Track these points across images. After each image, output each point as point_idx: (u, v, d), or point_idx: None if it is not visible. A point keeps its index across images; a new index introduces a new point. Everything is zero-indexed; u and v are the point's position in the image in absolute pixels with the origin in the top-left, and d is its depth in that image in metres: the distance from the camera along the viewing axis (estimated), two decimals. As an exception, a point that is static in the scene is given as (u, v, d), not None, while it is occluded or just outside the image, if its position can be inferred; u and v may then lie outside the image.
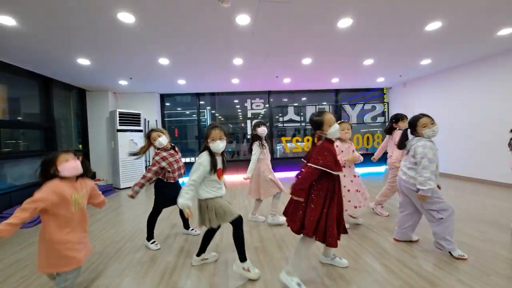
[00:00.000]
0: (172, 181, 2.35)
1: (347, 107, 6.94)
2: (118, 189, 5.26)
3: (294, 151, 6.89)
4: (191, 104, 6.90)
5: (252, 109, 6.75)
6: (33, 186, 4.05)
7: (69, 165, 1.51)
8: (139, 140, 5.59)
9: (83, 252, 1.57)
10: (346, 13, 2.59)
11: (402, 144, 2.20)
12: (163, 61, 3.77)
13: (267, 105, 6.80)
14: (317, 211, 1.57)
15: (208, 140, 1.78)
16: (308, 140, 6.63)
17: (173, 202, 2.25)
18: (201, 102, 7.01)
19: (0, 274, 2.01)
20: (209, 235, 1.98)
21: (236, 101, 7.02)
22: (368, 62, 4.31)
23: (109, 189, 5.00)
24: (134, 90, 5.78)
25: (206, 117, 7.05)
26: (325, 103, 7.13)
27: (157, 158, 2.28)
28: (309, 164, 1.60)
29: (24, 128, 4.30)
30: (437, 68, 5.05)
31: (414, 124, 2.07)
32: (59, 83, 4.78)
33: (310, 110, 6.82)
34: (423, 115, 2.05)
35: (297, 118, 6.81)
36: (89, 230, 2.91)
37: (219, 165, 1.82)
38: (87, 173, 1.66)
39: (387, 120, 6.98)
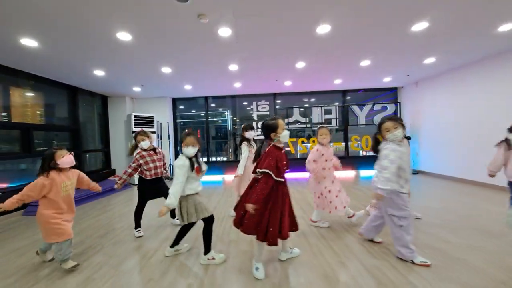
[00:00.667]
0: (148, 178, 2.69)
1: (355, 108, 6.80)
2: (133, 185, 5.85)
3: (300, 152, 6.95)
4: (203, 107, 7.33)
5: (258, 111, 6.96)
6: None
7: (66, 159, 1.99)
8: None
9: (70, 228, 2.03)
10: (325, 19, 2.68)
11: (374, 149, 2.17)
12: (166, 69, 4.17)
13: (277, 107, 6.97)
14: (257, 214, 1.73)
15: (182, 145, 2.03)
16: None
17: (150, 196, 2.71)
18: (212, 105, 7.44)
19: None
20: (185, 230, 2.21)
21: (245, 103, 7.29)
22: (365, 63, 4.26)
23: (125, 185, 5.59)
24: (148, 95, 6.35)
25: (227, 118, 7.46)
26: (336, 103, 7.05)
27: (137, 156, 2.67)
28: (259, 170, 1.78)
29: (54, 131, 5.01)
30: (448, 67, 4.77)
31: (378, 128, 2.10)
32: (84, 91, 5.49)
33: (315, 111, 6.83)
34: (388, 119, 2.04)
35: (303, 119, 6.86)
36: (100, 218, 3.45)
37: (196, 164, 2.05)
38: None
39: (398, 121, 6.69)
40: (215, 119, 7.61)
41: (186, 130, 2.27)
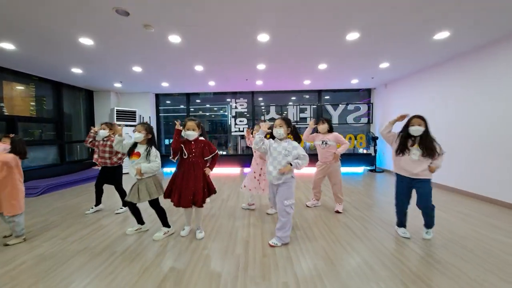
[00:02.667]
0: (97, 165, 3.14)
1: (329, 108, 7.09)
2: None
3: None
4: (191, 102, 7.70)
5: (236, 108, 7.30)
6: (45, 167, 5.20)
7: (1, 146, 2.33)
8: (133, 134, 6.54)
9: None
10: (262, 29, 2.99)
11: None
12: (137, 68, 4.54)
13: (256, 105, 7.32)
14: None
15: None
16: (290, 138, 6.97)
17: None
18: (197, 101, 7.81)
19: None
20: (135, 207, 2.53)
21: (228, 99, 7.62)
22: (322, 66, 4.55)
23: (106, 174, 6.04)
24: (131, 91, 6.74)
25: (227, 112, 7.74)
26: (317, 103, 7.34)
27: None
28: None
29: (38, 122, 5.44)
30: (403, 71, 5.03)
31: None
32: (70, 86, 5.90)
33: (291, 110, 7.14)
34: (280, 118, 2.40)
35: (278, 117, 7.16)
36: (73, 201, 3.88)
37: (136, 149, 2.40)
38: (18, 152, 2.43)
39: (370, 121, 6.97)
40: (207, 113, 7.96)
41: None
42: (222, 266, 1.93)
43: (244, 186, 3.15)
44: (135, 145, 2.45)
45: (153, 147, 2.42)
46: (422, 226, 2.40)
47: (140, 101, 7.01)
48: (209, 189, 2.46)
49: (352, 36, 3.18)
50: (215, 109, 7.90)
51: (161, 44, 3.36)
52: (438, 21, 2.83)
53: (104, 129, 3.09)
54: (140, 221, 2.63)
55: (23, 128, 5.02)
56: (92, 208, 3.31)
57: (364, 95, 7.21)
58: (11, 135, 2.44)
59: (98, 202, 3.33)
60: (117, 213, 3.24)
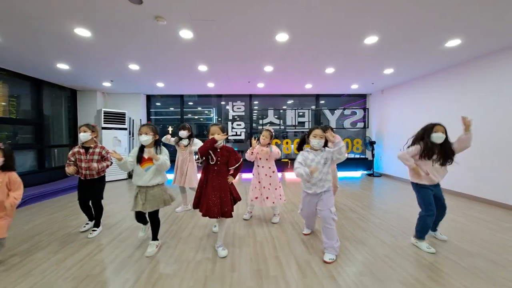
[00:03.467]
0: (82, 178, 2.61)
1: (327, 112, 7.09)
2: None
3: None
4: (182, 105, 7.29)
5: (233, 111, 7.05)
6: (21, 175, 4.55)
7: None
8: (123, 137, 6.04)
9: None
10: (282, 27, 2.82)
11: (298, 148, 2.38)
12: (133, 66, 4.15)
13: (254, 107, 7.10)
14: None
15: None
16: (287, 143, 6.86)
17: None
18: (190, 103, 7.46)
19: None
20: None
21: (223, 103, 7.35)
22: (330, 70, 4.50)
23: (92, 182, 5.46)
24: (120, 91, 6.23)
25: (212, 116, 7.46)
26: (313, 106, 7.29)
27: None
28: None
29: (16, 124, 4.80)
30: (407, 77, 5.14)
31: (309, 131, 2.26)
32: (51, 84, 5.30)
33: (289, 114, 7.04)
34: (320, 127, 2.23)
35: (277, 121, 7.05)
36: (56, 215, 3.38)
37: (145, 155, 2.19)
38: (8, 166, 2.06)
39: (367, 126, 7.07)
40: (196, 117, 7.63)
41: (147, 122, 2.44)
42: (263, 292, 1.68)
43: (251, 200, 2.99)
44: (142, 150, 2.23)
45: (162, 146, 2.30)
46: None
47: (130, 103, 6.51)
48: (234, 198, 2.24)
49: (371, 40, 3.12)
50: (206, 112, 7.64)
51: (170, 39, 3.06)
52: (449, 29, 2.87)
53: (85, 131, 2.54)
54: (146, 221, 2.45)
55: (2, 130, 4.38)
56: (88, 223, 2.84)
57: (349, 100, 7.33)
58: (1, 145, 2.02)
59: (91, 218, 2.83)
60: (90, 238, 2.59)
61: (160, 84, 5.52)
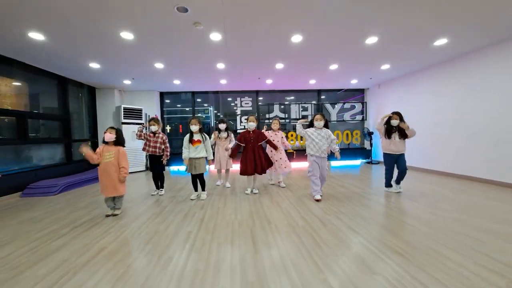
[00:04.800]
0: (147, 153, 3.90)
1: (328, 106, 7.65)
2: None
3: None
4: (189, 101, 7.73)
5: (241, 106, 7.54)
6: (53, 166, 4.96)
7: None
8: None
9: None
10: (298, 31, 3.33)
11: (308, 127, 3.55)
12: (159, 65, 4.60)
13: (260, 103, 7.61)
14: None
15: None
16: (292, 135, 7.39)
17: (152, 167, 3.88)
18: (198, 100, 7.91)
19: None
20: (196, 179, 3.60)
21: (229, 99, 7.82)
22: (333, 67, 5.03)
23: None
24: (136, 88, 6.64)
25: (210, 115, 7.92)
26: (313, 101, 7.83)
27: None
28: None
29: (46, 119, 5.17)
30: (402, 72, 5.72)
31: (314, 116, 3.45)
32: (73, 81, 5.68)
33: (294, 108, 7.57)
34: (320, 113, 3.41)
35: (282, 115, 7.57)
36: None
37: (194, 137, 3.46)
38: (122, 142, 2.92)
39: (365, 118, 7.66)
40: (198, 114, 8.05)
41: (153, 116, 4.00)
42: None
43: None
44: (191, 135, 3.43)
45: (205, 134, 3.51)
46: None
47: (145, 99, 6.93)
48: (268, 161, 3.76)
49: (371, 40, 3.66)
50: (205, 108, 8.07)
51: (201, 41, 3.53)
52: (437, 30, 3.43)
53: (153, 125, 3.74)
54: (196, 189, 3.62)
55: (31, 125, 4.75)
56: (155, 191, 3.92)
57: (347, 95, 7.91)
58: (115, 127, 2.91)
59: (157, 186, 3.94)
60: (153, 195, 3.86)
61: (176, 81, 5.96)
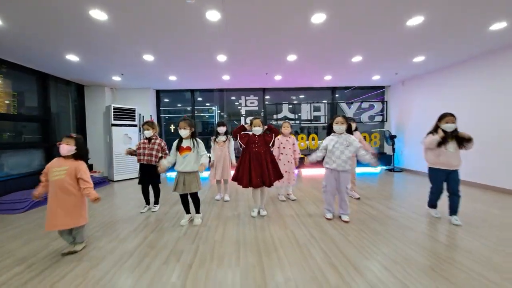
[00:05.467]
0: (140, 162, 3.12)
1: (344, 106, 6.81)
2: (111, 181, 5.47)
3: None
4: (190, 101, 7.00)
5: (246, 106, 6.77)
6: (28, 175, 4.30)
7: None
8: (133, 134, 5.76)
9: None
10: (320, 7, 2.54)
11: (327, 133, 2.90)
12: (148, 57, 3.86)
13: (267, 103, 6.82)
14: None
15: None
16: (302, 138, 6.58)
17: (143, 179, 3.18)
18: (199, 99, 7.19)
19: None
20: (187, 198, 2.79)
21: (233, 98, 7.06)
22: (357, 59, 4.21)
23: (102, 181, 5.20)
24: (129, 86, 5.95)
25: (214, 114, 7.20)
26: (325, 100, 7.00)
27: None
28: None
29: (21, 121, 4.53)
30: (434, 66, 4.85)
31: (333, 119, 2.78)
32: (57, 78, 5.02)
33: (305, 108, 6.76)
34: (342, 115, 2.72)
35: (292, 115, 6.77)
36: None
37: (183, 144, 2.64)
38: (84, 155, 2.17)
39: (385, 119, 6.79)
40: (201, 114, 7.33)
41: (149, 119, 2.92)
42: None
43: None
44: (180, 140, 2.64)
45: (197, 139, 2.66)
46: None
47: (139, 98, 6.23)
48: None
49: (414, 21, 2.84)
50: (209, 108, 7.34)
51: (194, 22, 2.77)
52: (495, 11, 2.59)
53: (147, 129, 3.07)
54: (188, 211, 2.81)
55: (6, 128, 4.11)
56: (146, 207, 3.23)
57: (362, 93, 7.03)
58: (74, 135, 2.11)
59: (148, 201, 3.27)
60: (142, 212, 3.16)
61: (172, 78, 5.24)
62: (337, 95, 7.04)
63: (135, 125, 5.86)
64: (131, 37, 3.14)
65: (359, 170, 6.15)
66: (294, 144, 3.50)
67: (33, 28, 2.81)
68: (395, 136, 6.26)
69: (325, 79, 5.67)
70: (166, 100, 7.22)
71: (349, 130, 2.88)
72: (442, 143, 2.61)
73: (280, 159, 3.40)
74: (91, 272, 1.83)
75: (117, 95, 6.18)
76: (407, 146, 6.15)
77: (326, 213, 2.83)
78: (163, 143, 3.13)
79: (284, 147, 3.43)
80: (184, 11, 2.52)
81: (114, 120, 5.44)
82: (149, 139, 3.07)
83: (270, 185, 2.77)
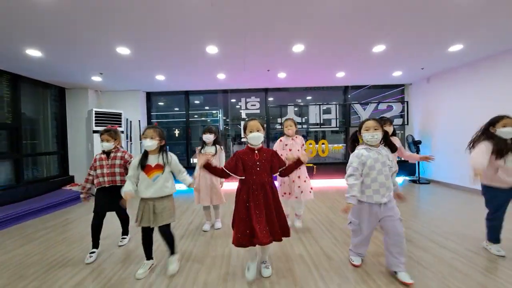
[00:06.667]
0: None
1: (358, 107, 5.98)
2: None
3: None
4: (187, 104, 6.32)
5: (246, 108, 6.04)
6: (-12, 192, 3.67)
7: None
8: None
9: None
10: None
11: (351, 148, 1.93)
12: (122, 50, 3.18)
13: (270, 105, 6.07)
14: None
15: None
16: (310, 144, 5.77)
17: (99, 208, 2.32)
18: (196, 102, 6.54)
19: None
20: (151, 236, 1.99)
21: (233, 100, 6.35)
22: (379, 48, 3.41)
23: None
24: (115, 88, 5.32)
25: (218, 118, 6.53)
26: (335, 101, 6.19)
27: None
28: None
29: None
30: (474, 57, 3.98)
31: (359, 127, 1.84)
32: (32, 80, 4.43)
33: (313, 110, 5.97)
34: (372, 118, 1.79)
35: (298, 119, 5.99)
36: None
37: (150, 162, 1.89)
38: None
39: (406, 122, 5.91)
40: (202, 118, 6.64)
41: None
42: None
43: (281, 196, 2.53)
44: (145, 156, 1.91)
45: (169, 152, 1.99)
46: None
47: (127, 101, 5.59)
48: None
49: (468, -14, 2.04)
50: (213, 112, 6.66)
51: (173, 6, 2.07)
52: None
53: (107, 140, 2.25)
54: (150, 255, 2.02)
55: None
56: (93, 253, 2.22)
57: (393, 92, 6.17)
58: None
59: (97, 243, 2.29)
60: (120, 246, 2.46)
61: (160, 77, 4.56)
62: (349, 96, 6.22)
63: (122, 132, 5.20)
64: (93, 24, 2.46)
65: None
66: (303, 145, 2.72)
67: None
68: (419, 142, 5.37)
69: (337, 76, 4.87)
70: (161, 103, 6.58)
71: (387, 140, 1.85)
72: (500, 155, 1.95)
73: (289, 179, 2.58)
74: None
75: (103, 99, 5.56)
76: (435, 153, 5.23)
77: (354, 260, 1.97)
78: (127, 155, 2.34)
79: (290, 149, 2.61)
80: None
81: (95, 126, 4.77)
82: (107, 152, 2.30)
83: (279, 238, 1.73)
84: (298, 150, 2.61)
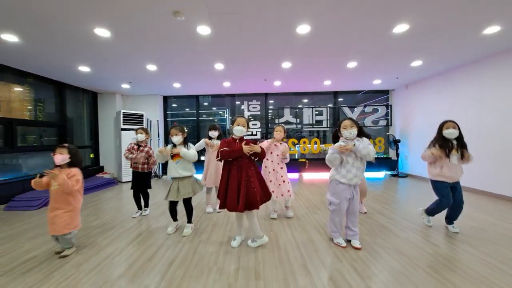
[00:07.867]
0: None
1: (346, 110, 6.79)
2: (120, 182, 5.83)
3: (290, 153, 6.92)
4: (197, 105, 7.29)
5: (249, 110, 6.94)
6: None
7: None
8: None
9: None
10: (304, 19, 2.66)
11: (334, 143, 2.36)
12: (151, 67, 4.15)
13: (271, 107, 6.99)
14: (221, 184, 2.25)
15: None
16: (304, 142, 6.63)
17: (134, 186, 3.29)
18: (205, 103, 7.47)
19: (-8, 245, 2.47)
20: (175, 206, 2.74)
21: (238, 102, 7.28)
22: (352, 64, 4.25)
23: (111, 182, 5.56)
24: (138, 93, 6.33)
25: (225, 117, 7.50)
26: (329, 104, 7.02)
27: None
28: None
29: (41, 126, 4.98)
30: (436, 70, 4.76)
31: (338, 126, 2.30)
32: (73, 87, 5.47)
33: (306, 113, 6.81)
34: (348, 118, 2.27)
35: (294, 120, 6.85)
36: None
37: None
38: (78, 163, 2.34)
39: (390, 123, 6.68)
40: (210, 118, 7.61)
41: (173, 124, 2.80)
42: None
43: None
44: (174, 147, 2.62)
45: (189, 143, 2.69)
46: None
47: (147, 104, 6.60)
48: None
49: (400, 28, 2.87)
50: (220, 112, 7.65)
51: (188, 36, 2.99)
52: (489, 14, 2.57)
53: (141, 133, 3.25)
54: (175, 218, 2.78)
55: (21, 133, 4.55)
56: (138, 212, 3.31)
57: (367, 97, 6.94)
58: (66, 145, 2.27)
59: (140, 206, 3.36)
60: (134, 217, 3.24)
61: (176, 85, 5.53)
62: (341, 99, 7.03)
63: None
64: (132, 50, 3.43)
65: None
66: (282, 153, 2.98)
67: (46, 43, 3.16)
68: (399, 141, 6.15)
69: (325, 83, 5.71)
70: (175, 105, 7.57)
71: (361, 134, 2.23)
72: (446, 153, 2.46)
73: (266, 166, 3.04)
74: (84, 264, 2.05)
75: (127, 102, 6.59)
76: (412, 151, 6.02)
77: (336, 238, 2.34)
78: (151, 151, 3.20)
79: (271, 153, 2.99)
80: (175, 26, 2.74)
81: (123, 124, 5.81)
82: (138, 145, 3.16)
83: (253, 207, 2.12)
84: (278, 155, 2.98)
